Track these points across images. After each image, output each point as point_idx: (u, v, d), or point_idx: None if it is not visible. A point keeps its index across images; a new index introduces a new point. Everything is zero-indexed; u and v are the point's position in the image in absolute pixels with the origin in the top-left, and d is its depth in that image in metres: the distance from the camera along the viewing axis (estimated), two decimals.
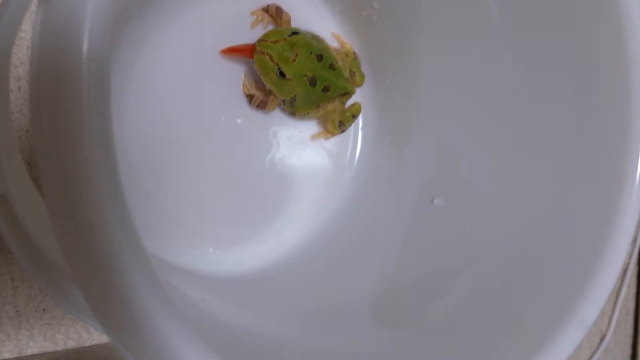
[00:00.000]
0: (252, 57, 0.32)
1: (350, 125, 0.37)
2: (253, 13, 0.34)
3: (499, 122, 0.32)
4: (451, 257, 0.30)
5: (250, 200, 0.35)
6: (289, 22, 0.34)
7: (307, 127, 0.37)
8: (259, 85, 0.34)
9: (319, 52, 0.33)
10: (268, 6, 0.34)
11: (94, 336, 0.31)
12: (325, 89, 0.34)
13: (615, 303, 0.51)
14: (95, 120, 0.15)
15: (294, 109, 0.34)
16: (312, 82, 0.33)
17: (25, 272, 0.20)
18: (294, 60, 0.31)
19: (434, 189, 0.34)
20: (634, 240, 0.49)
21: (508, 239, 0.29)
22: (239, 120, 0.34)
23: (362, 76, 0.37)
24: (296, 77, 0.32)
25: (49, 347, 0.30)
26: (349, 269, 0.32)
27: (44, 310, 0.30)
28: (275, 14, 0.34)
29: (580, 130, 0.28)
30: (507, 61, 0.31)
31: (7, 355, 0.29)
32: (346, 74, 0.35)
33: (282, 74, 0.32)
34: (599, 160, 0.27)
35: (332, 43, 0.36)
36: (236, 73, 0.34)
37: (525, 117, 0.31)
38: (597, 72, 0.27)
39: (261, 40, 0.32)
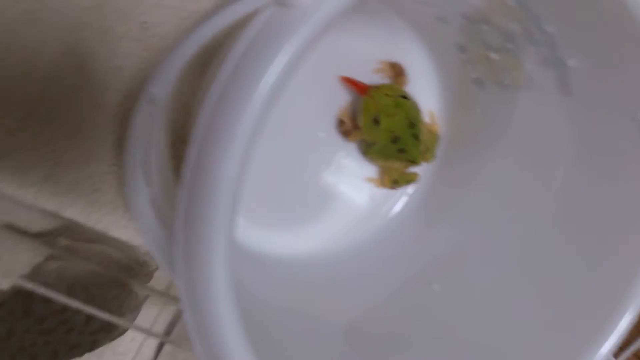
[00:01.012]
0: (362, 95, 0.37)
1: (402, 187, 0.42)
2: (381, 62, 0.38)
3: (520, 247, 0.37)
4: (422, 331, 0.34)
5: (289, 196, 0.40)
6: (404, 84, 0.39)
7: (368, 169, 0.41)
8: (353, 117, 0.38)
9: (412, 121, 0.38)
10: (395, 63, 0.38)
11: (120, 232, 0.36)
12: (400, 150, 0.38)
13: None
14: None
15: (368, 151, 0.39)
16: (394, 140, 0.37)
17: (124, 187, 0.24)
18: (392, 116, 0.36)
19: (437, 274, 0.38)
20: None
21: (475, 345, 0.33)
22: (320, 134, 0.39)
23: (433, 156, 0.41)
24: (385, 130, 0.37)
25: (80, 219, 0.35)
26: (340, 291, 0.37)
27: (95, 190, 0.35)
28: (397, 72, 0.38)
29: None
30: (550, 217, 0.36)
31: (49, 208, 0.34)
32: (422, 147, 0.40)
33: (376, 122, 0.36)
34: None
35: (426, 116, 0.40)
36: (341, 98, 0.39)
37: (542, 264, 0.35)
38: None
39: (376, 87, 0.36)
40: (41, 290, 0.30)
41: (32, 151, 0.33)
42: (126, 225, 0.36)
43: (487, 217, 0.39)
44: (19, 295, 0.32)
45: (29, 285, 0.30)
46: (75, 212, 0.34)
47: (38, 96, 0.32)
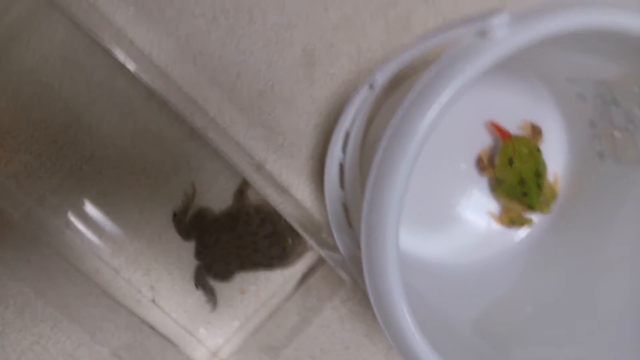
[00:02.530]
0: (503, 139, 0.47)
1: (516, 227, 0.51)
2: (524, 121, 0.49)
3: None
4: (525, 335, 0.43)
5: (427, 210, 0.50)
6: (538, 142, 0.48)
7: (491, 205, 0.51)
8: (491, 158, 0.49)
9: (540, 172, 0.47)
10: (536, 124, 0.48)
11: (298, 193, 0.47)
12: (524, 194, 0.48)
13: None
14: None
15: (497, 188, 0.49)
16: (521, 183, 0.47)
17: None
18: (524, 162, 0.46)
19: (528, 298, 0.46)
20: None
21: None
22: (462, 165, 0.49)
23: (549, 209, 0.50)
24: (515, 171, 0.46)
25: (275, 174, 0.47)
26: (463, 292, 0.46)
27: (291, 156, 0.47)
28: (535, 132, 0.48)
29: None
30: None
31: (257, 159, 0.47)
32: (542, 199, 0.49)
33: (510, 163, 0.46)
34: None
35: (550, 176, 0.50)
36: (484, 140, 0.49)
37: None
38: None
39: (518, 136, 0.47)
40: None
41: (261, 115, 0.46)
42: (303, 190, 0.48)
43: (586, 266, 0.47)
44: (228, 216, 0.45)
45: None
46: (274, 167, 0.47)
47: (271, 82, 0.46)
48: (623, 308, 0.44)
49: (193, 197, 0.45)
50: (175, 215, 0.46)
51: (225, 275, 0.46)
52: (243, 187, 0.46)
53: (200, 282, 0.45)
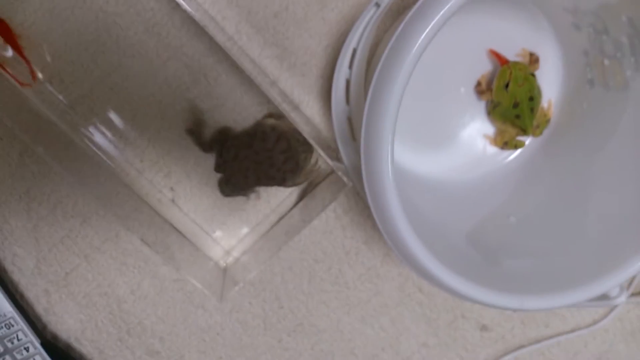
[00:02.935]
0: (501, 65, 0.50)
1: (509, 149, 0.54)
2: (523, 49, 0.52)
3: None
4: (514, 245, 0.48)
5: (429, 130, 0.53)
6: (535, 69, 0.52)
7: (487, 128, 0.54)
8: (489, 82, 0.52)
9: (533, 96, 0.51)
10: (533, 53, 0.52)
11: (308, 110, 0.51)
12: (517, 116, 0.51)
13: None
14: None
15: (492, 110, 0.52)
16: (514, 105, 0.50)
17: None
18: (519, 86, 0.49)
19: (515, 210, 0.51)
20: None
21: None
22: (462, 89, 0.53)
23: (540, 133, 0.53)
24: (510, 94, 0.50)
25: (287, 91, 0.51)
26: (459, 207, 0.51)
27: (303, 75, 0.51)
28: (533, 60, 0.51)
29: None
30: None
31: (271, 77, 0.50)
32: (534, 122, 0.53)
33: (506, 86, 0.50)
34: None
35: (544, 102, 0.53)
36: (484, 66, 0.52)
37: None
38: None
39: (515, 62, 0.50)
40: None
41: (276, 35, 0.49)
42: (312, 107, 0.52)
43: (570, 185, 0.51)
44: (245, 134, 0.49)
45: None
46: (286, 85, 0.51)
47: (286, 3, 0.49)
48: (606, 224, 0.48)
49: (199, 112, 0.49)
50: (191, 131, 0.49)
51: (242, 188, 0.50)
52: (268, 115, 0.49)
53: (226, 193, 0.50)
